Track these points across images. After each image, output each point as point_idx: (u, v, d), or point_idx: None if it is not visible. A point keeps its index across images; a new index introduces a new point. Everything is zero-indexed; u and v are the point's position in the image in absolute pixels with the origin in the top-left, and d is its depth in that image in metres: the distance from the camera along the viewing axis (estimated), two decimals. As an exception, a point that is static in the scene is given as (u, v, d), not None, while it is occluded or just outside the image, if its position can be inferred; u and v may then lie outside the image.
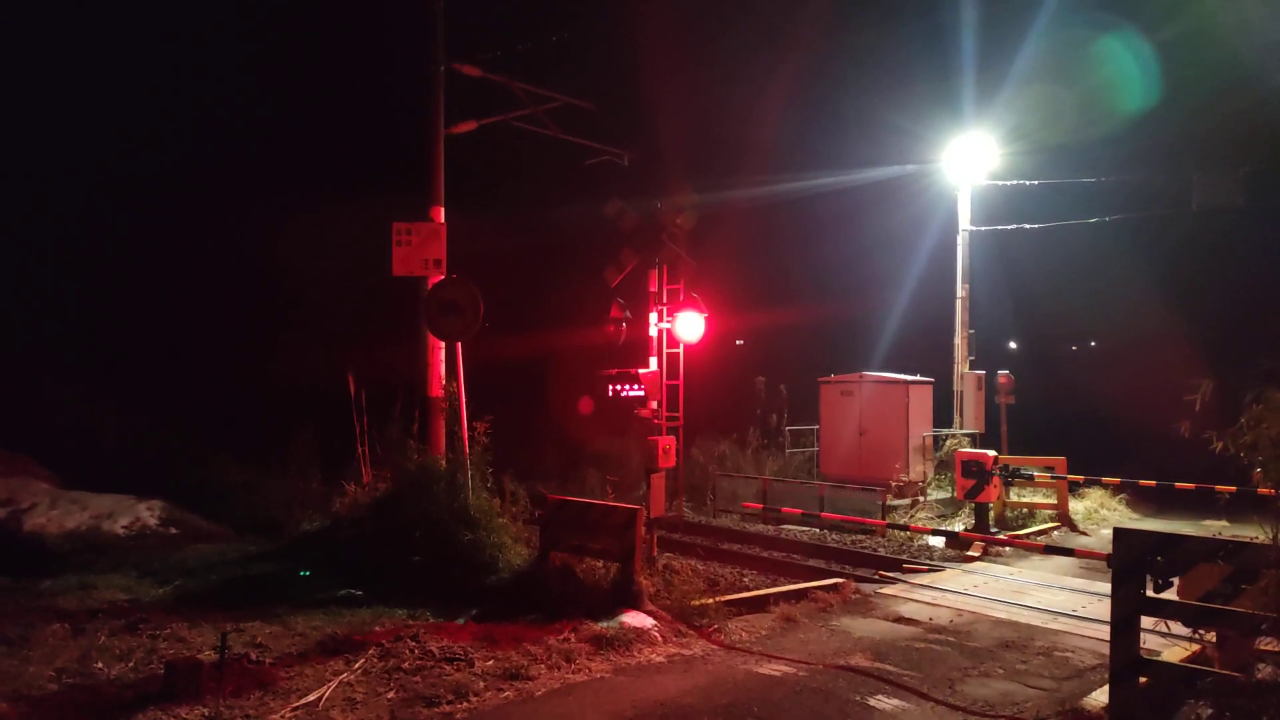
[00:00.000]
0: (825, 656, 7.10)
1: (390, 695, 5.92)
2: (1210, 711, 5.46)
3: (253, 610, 7.87)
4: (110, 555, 10.13)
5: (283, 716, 5.49)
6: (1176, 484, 12.90)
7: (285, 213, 19.18)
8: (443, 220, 10.79)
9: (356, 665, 6.43)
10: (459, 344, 10.16)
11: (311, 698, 5.79)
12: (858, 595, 9.42)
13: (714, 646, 7.34)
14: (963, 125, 18.46)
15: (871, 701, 6.06)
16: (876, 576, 10.78)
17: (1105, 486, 15.85)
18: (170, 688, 5.65)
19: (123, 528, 11.42)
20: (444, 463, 9.93)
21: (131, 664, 6.42)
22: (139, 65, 20.56)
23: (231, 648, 6.44)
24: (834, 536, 13.99)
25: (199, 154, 20.87)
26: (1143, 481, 14.10)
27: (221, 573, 9.57)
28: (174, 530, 11.68)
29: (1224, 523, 12.81)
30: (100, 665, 6.36)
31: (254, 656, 6.57)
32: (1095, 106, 20.48)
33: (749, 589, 10.11)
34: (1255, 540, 5.20)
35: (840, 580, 9.94)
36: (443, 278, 10.06)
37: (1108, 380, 27.20)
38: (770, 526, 15.15)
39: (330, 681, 6.07)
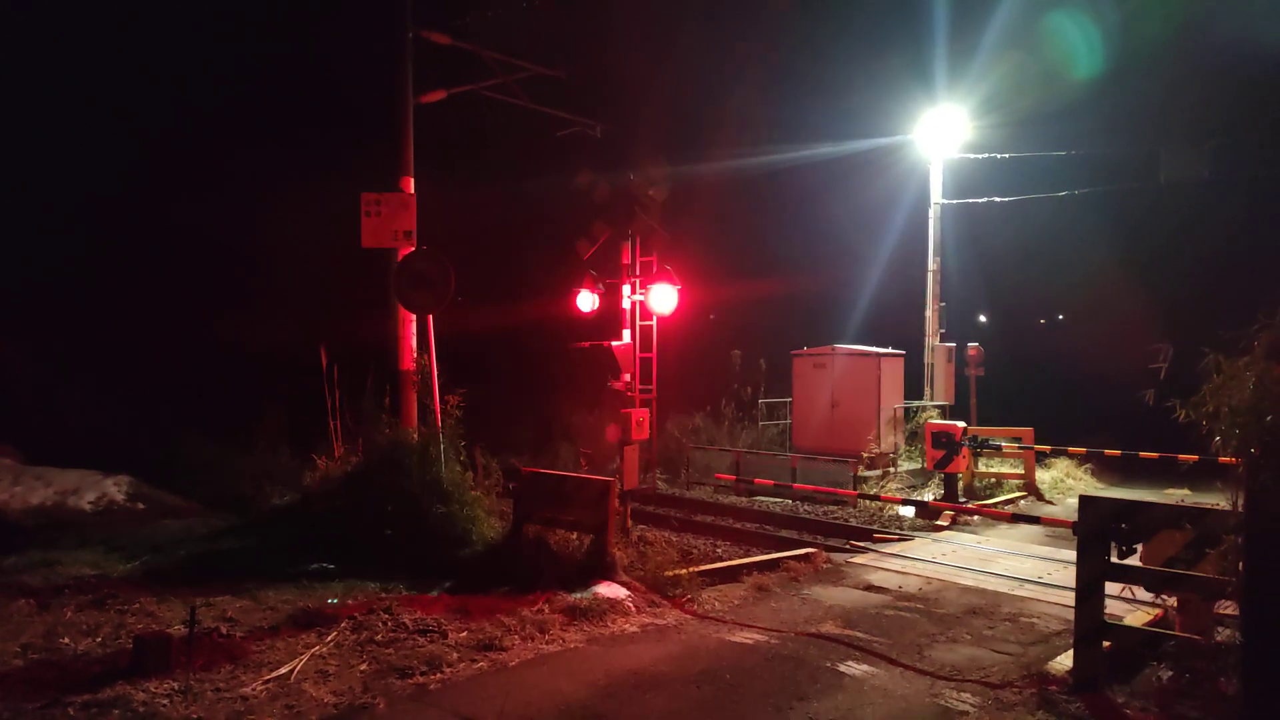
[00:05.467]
0: (797, 624, 7.17)
1: (363, 667, 5.90)
2: (1170, 673, 5.61)
3: (222, 585, 7.81)
4: (76, 531, 9.99)
5: (254, 689, 5.46)
6: (1141, 453, 13.14)
7: (254, 183, 18.82)
8: (412, 191, 10.64)
9: (329, 638, 6.41)
10: (430, 317, 10.06)
11: (283, 670, 5.77)
12: (829, 565, 9.53)
13: (687, 616, 7.40)
14: (935, 98, 18.49)
15: (842, 667, 6.15)
16: (848, 546, 10.90)
17: (1071, 457, 16.13)
18: (139, 662, 5.60)
19: (89, 504, 11.26)
20: (416, 436, 9.86)
21: (99, 639, 6.36)
22: (98, 31, 20.01)
23: (201, 622, 6.39)
24: (806, 507, 14.13)
25: (163, 123, 20.40)
26: (1108, 451, 14.36)
27: (190, 548, 9.48)
28: (141, 506, 11.54)
29: (1186, 491, 13.09)
30: (67, 641, 6.29)
31: (224, 630, 6.52)
32: (1066, 77, 20.58)
33: (722, 559, 10.21)
34: (1216, 507, 5.31)
35: (812, 550, 10.04)
36: (413, 250, 9.94)
37: (1075, 353, 27.58)
38: (743, 498, 15.26)
39: (302, 654, 6.05)
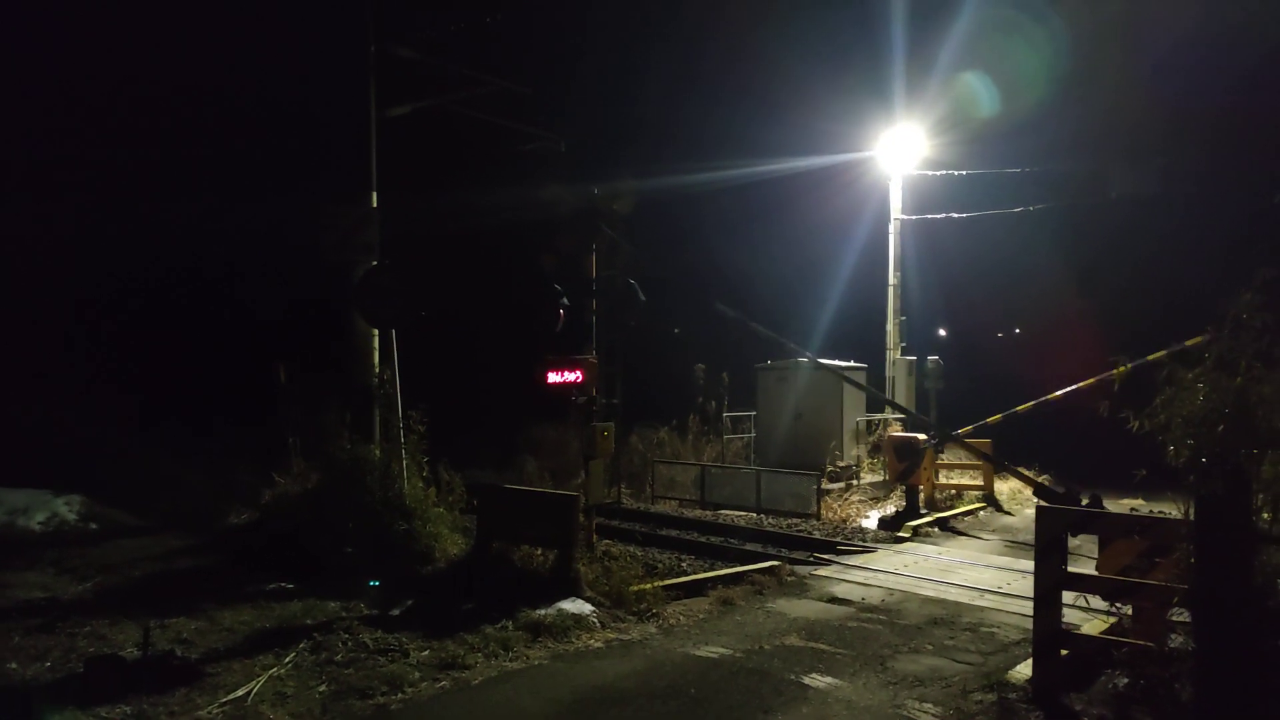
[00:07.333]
0: (761, 638, 7.19)
1: (322, 688, 5.80)
2: (1125, 680, 5.70)
3: (177, 606, 7.63)
4: (25, 552, 9.72)
5: (209, 713, 5.34)
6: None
7: (213, 195, 18.56)
8: (375, 205, 10.56)
9: (287, 659, 6.29)
10: (393, 331, 9.97)
11: (240, 693, 5.65)
12: (793, 577, 9.56)
13: (652, 631, 7.38)
14: (894, 116, 18.79)
15: (806, 680, 6.17)
16: (812, 559, 10.95)
17: (1029, 468, 16.38)
18: (90, 686, 5.46)
19: (39, 524, 10.97)
20: (378, 452, 9.74)
21: (49, 663, 6.18)
22: (58, 38, 19.67)
23: (155, 644, 6.24)
24: (770, 521, 14.16)
25: (123, 137, 20.05)
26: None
27: (144, 569, 9.26)
28: (94, 525, 11.26)
29: (1140, 500, 13.36)
30: (14, 666, 6.10)
31: (179, 653, 6.37)
32: (1019, 96, 21.05)
33: (687, 573, 10.18)
34: (1169, 516, 5.42)
35: (776, 563, 10.07)
36: (376, 264, 9.86)
37: (1032, 366, 28.03)
38: (708, 512, 15.26)
39: (259, 676, 5.93)
